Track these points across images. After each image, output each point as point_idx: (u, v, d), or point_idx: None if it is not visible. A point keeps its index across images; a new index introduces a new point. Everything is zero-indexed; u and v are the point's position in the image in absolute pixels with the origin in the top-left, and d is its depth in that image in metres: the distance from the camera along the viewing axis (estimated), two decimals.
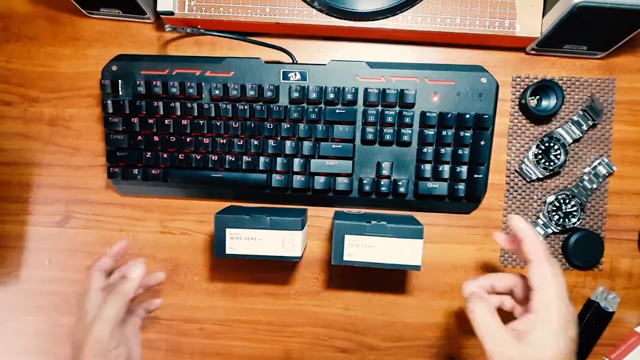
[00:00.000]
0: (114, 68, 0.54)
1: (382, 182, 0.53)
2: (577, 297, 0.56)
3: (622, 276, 0.56)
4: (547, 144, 0.53)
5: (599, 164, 0.54)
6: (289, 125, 0.53)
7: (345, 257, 0.46)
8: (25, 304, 0.59)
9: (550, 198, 0.54)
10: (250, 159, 0.53)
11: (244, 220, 0.46)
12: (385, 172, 0.53)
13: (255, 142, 0.53)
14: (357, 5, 0.51)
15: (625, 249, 0.55)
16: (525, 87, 0.54)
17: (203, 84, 0.53)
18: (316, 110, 0.52)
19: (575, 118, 0.53)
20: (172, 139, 0.54)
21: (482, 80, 0.52)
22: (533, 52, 0.54)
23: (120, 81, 0.54)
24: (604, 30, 0.48)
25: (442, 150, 0.52)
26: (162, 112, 0.53)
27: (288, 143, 0.53)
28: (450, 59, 0.55)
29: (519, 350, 0.36)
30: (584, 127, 0.53)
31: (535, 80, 0.54)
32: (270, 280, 0.58)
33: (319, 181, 0.54)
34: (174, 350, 0.59)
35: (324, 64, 0.53)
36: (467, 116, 0.51)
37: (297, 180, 0.54)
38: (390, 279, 0.57)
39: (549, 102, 0.53)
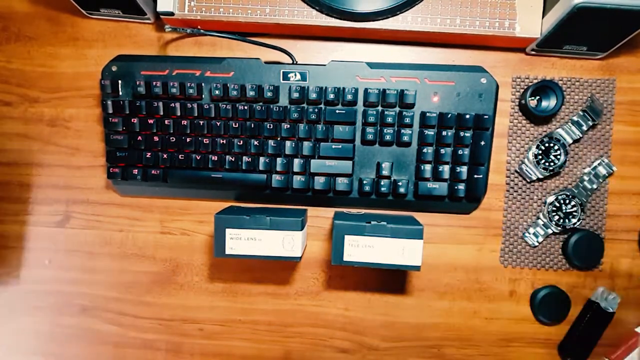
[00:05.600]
0: (114, 68, 0.54)
1: (382, 183, 0.53)
2: (577, 298, 0.55)
3: (622, 276, 0.56)
4: (547, 145, 0.53)
5: (599, 164, 0.54)
6: (289, 126, 0.53)
7: (345, 258, 0.46)
8: (25, 304, 0.59)
9: (551, 198, 0.54)
10: (250, 159, 0.53)
11: (244, 221, 0.46)
12: (385, 173, 0.53)
13: (255, 143, 0.53)
14: (357, 5, 0.51)
15: (625, 249, 0.55)
16: (525, 87, 0.54)
17: (203, 84, 0.53)
18: (316, 110, 0.52)
19: (575, 118, 0.53)
20: (172, 139, 0.54)
21: (482, 81, 0.52)
22: (533, 52, 0.54)
23: (120, 81, 0.54)
24: (604, 30, 0.48)
25: (442, 151, 0.52)
26: (162, 113, 0.53)
27: (288, 143, 0.53)
28: (450, 60, 0.55)
29: None
30: (584, 128, 0.53)
31: (535, 81, 0.54)
32: (270, 280, 0.58)
33: (319, 181, 0.53)
34: (174, 351, 0.59)
35: (324, 65, 0.53)
36: (467, 116, 0.51)
37: (297, 180, 0.54)
38: (390, 279, 0.57)
39: (549, 103, 0.53)
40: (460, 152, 0.52)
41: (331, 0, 0.50)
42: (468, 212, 0.55)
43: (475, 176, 0.52)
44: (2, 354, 0.60)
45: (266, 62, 0.53)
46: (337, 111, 0.52)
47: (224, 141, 0.53)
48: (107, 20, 0.56)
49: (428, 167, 0.53)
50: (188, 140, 0.54)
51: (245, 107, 0.52)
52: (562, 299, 0.55)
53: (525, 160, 0.54)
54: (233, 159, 0.53)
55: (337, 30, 0.53)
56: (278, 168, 0.54)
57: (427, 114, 0.51)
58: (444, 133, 0.52)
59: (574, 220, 0.53)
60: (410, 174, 0.53)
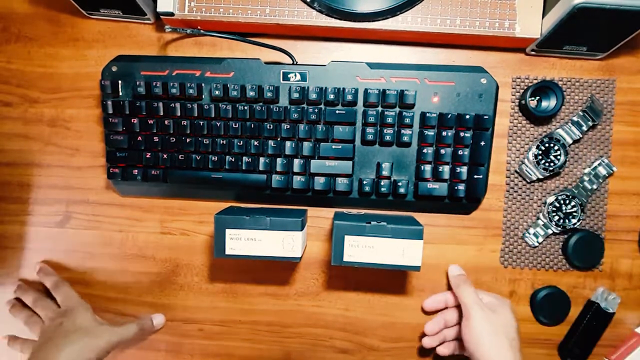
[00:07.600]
0: (114, 69, 0.54)
1: (382, 183, 0.53)
2: (577, 298, 0.55)
3: (623, 277, 0.55)
4: (547, 145, 0.53)
5: (599, 164, 0.54)
6: (289, 126, 0.53)
7: (345, 258, 0.46)
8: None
9: (551, 199, 0.53)
10: (250, 159, 0.53)
11: (243, 221, 0.46)
12: (385, 173, 0.53)
13: (255, 143, 0.53)
14: (357, 6, 0.51)
15: (625, 250, 0.55)
16: (525, 87, 0.54)
17: (203, 84, 0.53)
18: (316, 110, 0.52)
19: (575, 119, 0.53)
20: (172, 139, 0.54)
21: (482, 81, 0.52)
22: (533, 52, 0.54)
23: (120, 82, 0.54)
24: (604, 31, 0.48)
25: (442, 151, 0.52)
26: (162, 113, 0.53)
27: (288, 144, 0.53)
28: (450, 60, 0.55)
29: None
30: (584, 128, 0.53)
31: (535, 81, 0.54)
32: (270, 280, 0.58)
33: (319, 182, 0.53)
34: (174, 351, 0.59)
35: (324, 65, 0.53)
36: (467, 117, 0.51)
37: (297, 180, 0.54)
38: (390, 280, 0.57)
39: (549, 103, 0.53)
40: (460, 152, 0.52)
41: (331, 0, 0.50)
42: (468, 213, 0.55)
43: (475, 176, 0.52)
44: (1, 355, 0.60)
45: (266, 63, 0.53)
46: (337, 111, 0.52)
47: (224, 141, 0.53)
48: (107, 21, 0.56)
49: (428, 167, 0.52)
50: (188, 140, 0.53)
51: (245, 108, 0.52)
52: (562, 299, 0.55)
53: (525, 160, 0.54)
54: (233, 159, 0.53)
55: (337, 31, 0.53)
56: (278, 168, 0.54)
57: (427, 114, 0.51)
58: (444, 133, 0.52)
59: (574, 221, 0.53)
60: (410, 174, 0.53)
